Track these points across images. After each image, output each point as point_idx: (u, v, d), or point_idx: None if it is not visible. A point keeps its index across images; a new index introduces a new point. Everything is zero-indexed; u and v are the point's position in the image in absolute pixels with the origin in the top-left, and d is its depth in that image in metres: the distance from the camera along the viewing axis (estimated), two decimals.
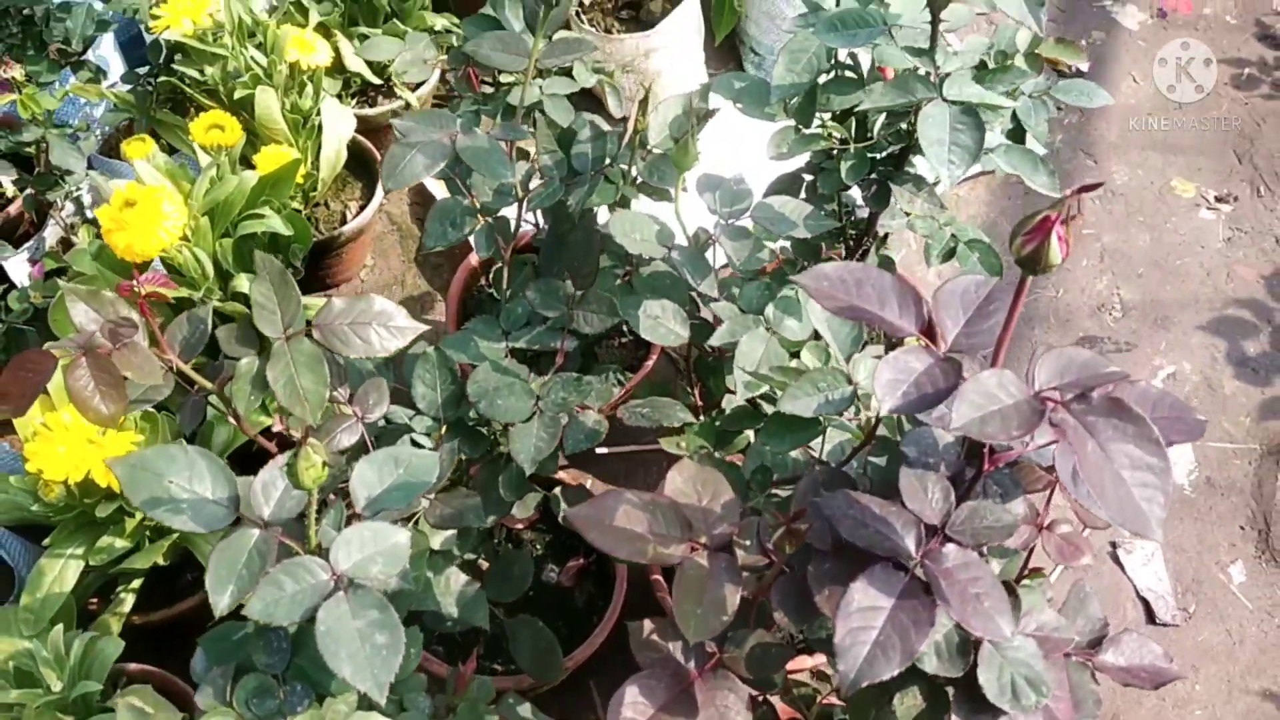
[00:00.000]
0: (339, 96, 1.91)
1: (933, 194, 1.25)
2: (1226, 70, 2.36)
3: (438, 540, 1.19)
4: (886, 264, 1.47)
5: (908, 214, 1.32)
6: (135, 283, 0.92)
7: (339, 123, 1.80)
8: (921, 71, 1.00)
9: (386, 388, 1.11)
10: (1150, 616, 1.71)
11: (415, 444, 1.13)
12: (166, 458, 0.87)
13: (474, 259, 1.73)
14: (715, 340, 1.15)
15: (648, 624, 0.91)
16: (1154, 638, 1.71)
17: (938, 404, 0.67)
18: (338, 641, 0.81)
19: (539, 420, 1.07)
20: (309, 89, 1.76)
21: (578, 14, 2.13)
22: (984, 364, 0.73)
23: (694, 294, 1.20)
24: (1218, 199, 2.17)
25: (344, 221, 1.87)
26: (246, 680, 0.89)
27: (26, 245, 1.79)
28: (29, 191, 1.72)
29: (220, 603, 0.84)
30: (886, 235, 1.48)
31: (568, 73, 1.31)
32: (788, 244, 1.45)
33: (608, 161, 1.20)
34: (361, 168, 1.95)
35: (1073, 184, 2.15)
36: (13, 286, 1.73)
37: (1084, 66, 1.16)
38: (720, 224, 1.12)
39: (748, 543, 0.86)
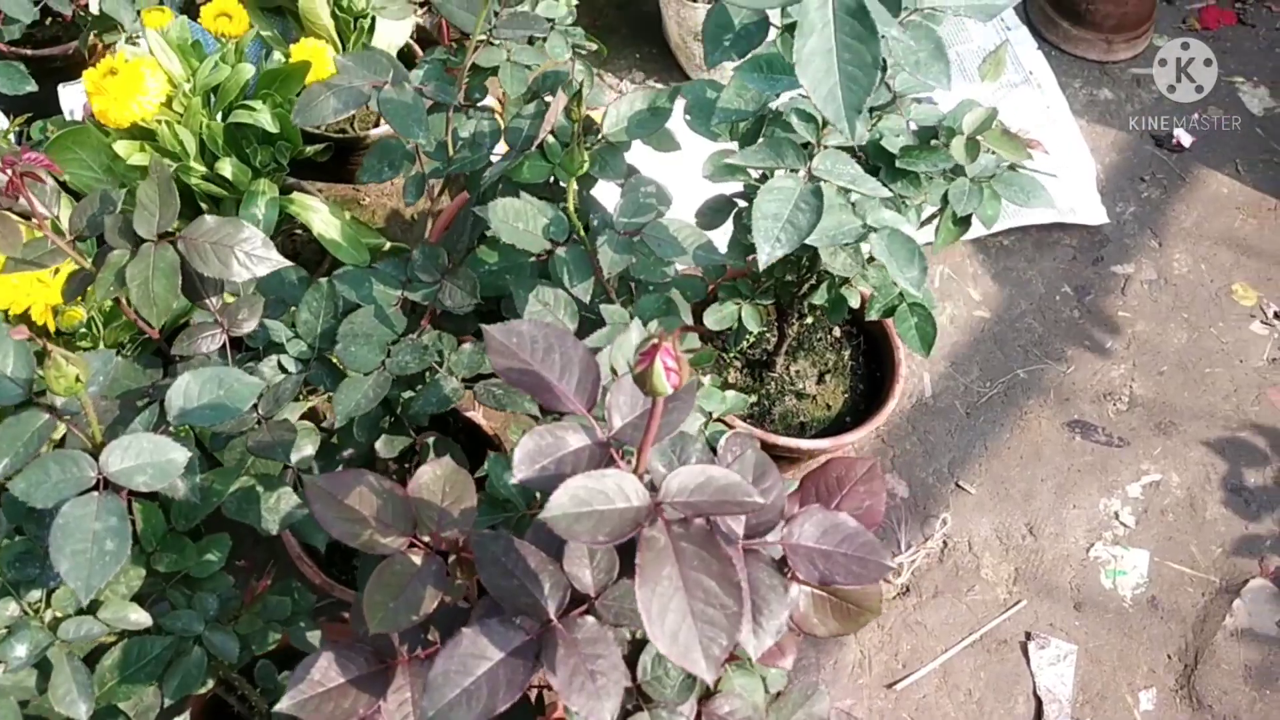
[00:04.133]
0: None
1: (856, 251, 1.22)
2: None
3: (296, 457, 1.25)
4: (838, 304, 1.44)
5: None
6: (19, 158, 0.97)
7: (393, 28, 1.85)
8: (798, 140, 0.97)
9: (261, 306, 1.16)
10: (1038, 717, 1.67)
11: (283, 367, 1.18)
12: None
13: None
14: (589, 342, 1.16)
15: None
16: None
17: None
18: (68, 537, 0.87)
19: (374, 377, 1.10)
20: None
21: None
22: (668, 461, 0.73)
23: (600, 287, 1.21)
24: (1278, 315, 2.03)
25: (377, 125, 1.92)
26: (15, 543, 0.97)
27: None
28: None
29: None
30: (847, 279, 1.44)
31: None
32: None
33: (543, 140, 1.20)
34: None
35: (1127, 260, 2.06)
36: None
37: (1026, 161, 1.10)
38: (611, 233, 1.12)
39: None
